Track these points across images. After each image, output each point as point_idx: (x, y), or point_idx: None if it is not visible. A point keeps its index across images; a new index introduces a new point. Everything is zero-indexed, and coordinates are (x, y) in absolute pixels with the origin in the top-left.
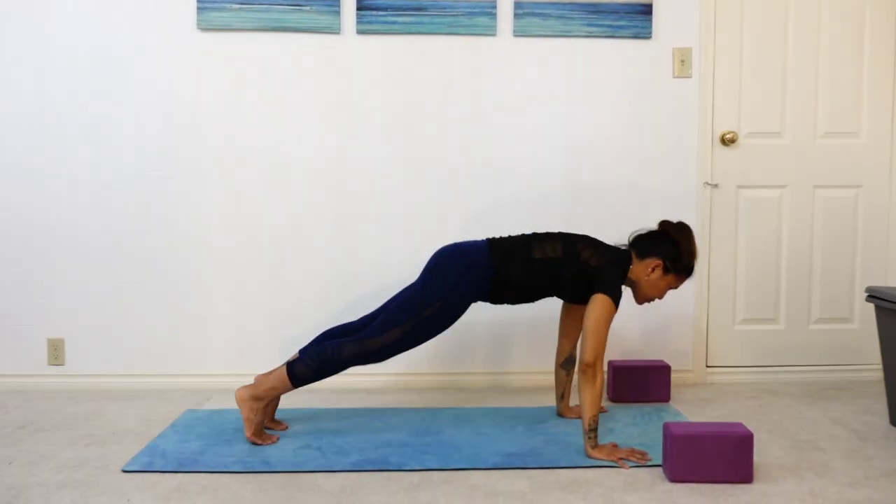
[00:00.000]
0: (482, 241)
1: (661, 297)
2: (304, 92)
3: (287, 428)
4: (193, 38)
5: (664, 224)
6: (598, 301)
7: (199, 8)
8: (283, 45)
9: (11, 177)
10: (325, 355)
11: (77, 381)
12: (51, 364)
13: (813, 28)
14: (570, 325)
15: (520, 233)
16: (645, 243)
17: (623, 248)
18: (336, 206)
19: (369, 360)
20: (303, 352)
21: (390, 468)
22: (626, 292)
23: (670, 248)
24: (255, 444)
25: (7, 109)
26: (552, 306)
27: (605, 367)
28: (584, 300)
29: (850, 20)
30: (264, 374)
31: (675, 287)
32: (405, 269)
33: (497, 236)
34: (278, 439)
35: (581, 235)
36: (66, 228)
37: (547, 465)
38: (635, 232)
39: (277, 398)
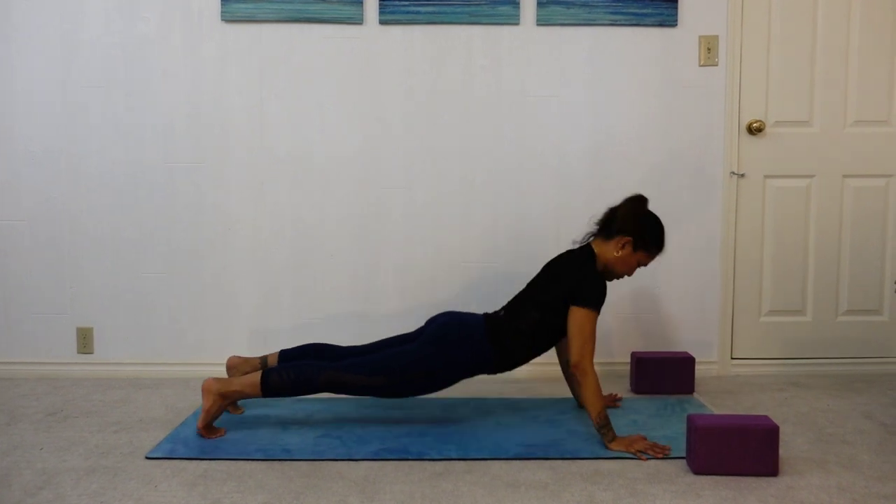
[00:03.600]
0: (479, 318)
1: (630, 275)
2: (327, 82)
3: (244, 411)
4: (218, 29)
5: (628, 200)
6: (576, 313)
7: None
8: (306, 36)
9: (40, 168)
10: (303, 374)
11: (105, 368)
12: (80, 352)
13: (842, 14)
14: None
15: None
16: (612, 221)
17: (582, 243)
18: (359, 196)
19: (344, 392)
20: (283, 358)
21: (411, 457)
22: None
23: (637, 224)
24: (201, 436)
25: (35, 101)
26: None
27: (628, 359)
28: None
29: (880, 6)
30: (240, 364)
31: (646, 264)
32: (428, 257)
33: (492, 312)
34: (225, 433)
35: (543, 273)
36: (94, 219)
37: (569, 456)
38: (595, 217)
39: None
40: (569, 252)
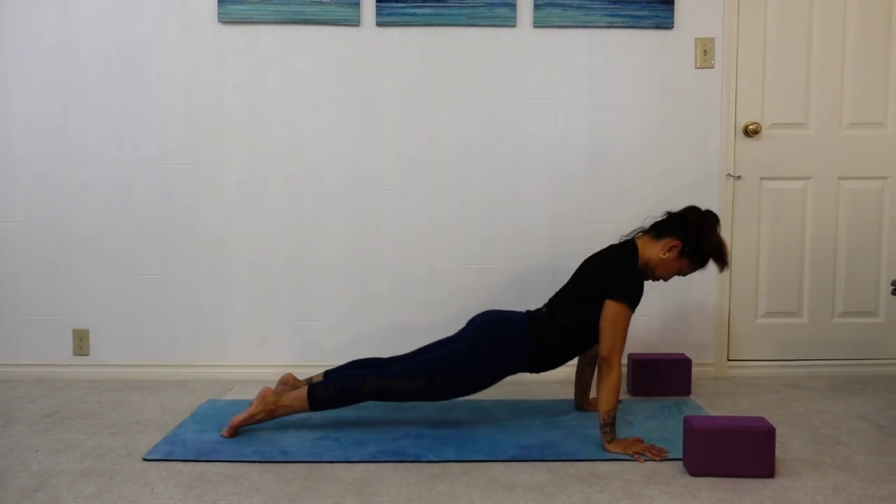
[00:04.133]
0: (523, 318)
1: (666, 279)
2: (324, 83)
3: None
4: (214, 30)
5: (691, 208)
6: (610, 306)
7: (219, 1)
8: (303, 37)
9: (36, 170)
10: (346, 384)
11: (101, 370)
12: (76, 354)
13: (838, 17)
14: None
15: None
16: (668, 223)
17: (626, 238)
18: (356, 198)
19: (389, 399)
20: (327, 375)
21: (408, 459)
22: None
23: (695, 233)
24: (231, 429)
25: (31, 101)
26: None
27: (626, 361)
28: None
29: (875, 9)
30: (289, 383)
31: (685, 274)
32: (424, 261)
33: (534, 310)
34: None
35: (583, 266)
36: (90, 221)
37: (565, 458)
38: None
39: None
40: (611, 246)
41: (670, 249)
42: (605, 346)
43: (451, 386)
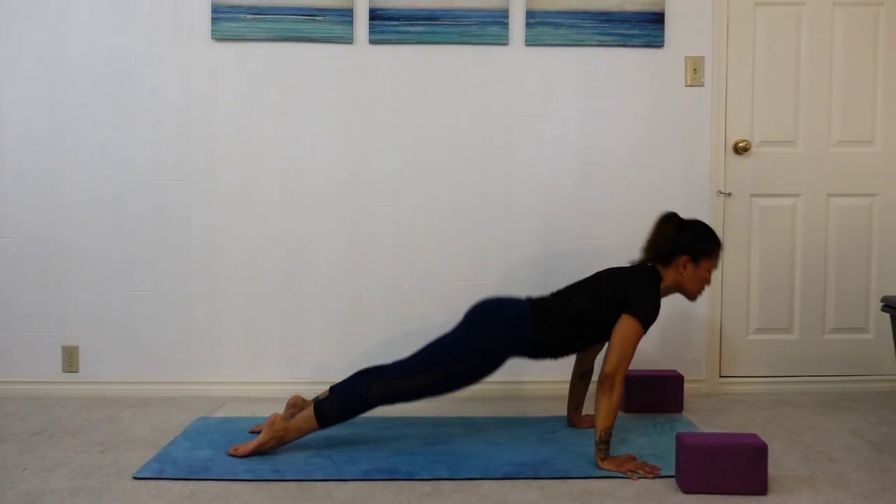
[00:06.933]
0: (524, 301)
1: (698, 293)
2: (318, 101)
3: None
4: (208, 48)
5: (660, 224)
6: (625, 321)
7: (213, 18)
8: (296, 55)
9: (28, 185)
10: (352, 394)
11: (91, 388)
12: (65, 371)
13: (826, 36)
14: None
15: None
16: (660, 249)
17: (644, 263)
18: (349, 215)
19: (397, 401)
20: (332, 390)
21: (401, 477)
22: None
23: (684, 241)
24: (238, 452)
25: (24, 119)
26: None
27: None
28: None
29: (863, 28)
30: (297, 406)
31: (715, 268)
32: (417, 275)
33: (537, 296)
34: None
35: (603, 272)
36: (80, 236)
37: (558, 476)
38: (643, 247)
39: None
40: (634, 266)
41: (685, 266)
42: (611, 361)
43: (456, 376)
